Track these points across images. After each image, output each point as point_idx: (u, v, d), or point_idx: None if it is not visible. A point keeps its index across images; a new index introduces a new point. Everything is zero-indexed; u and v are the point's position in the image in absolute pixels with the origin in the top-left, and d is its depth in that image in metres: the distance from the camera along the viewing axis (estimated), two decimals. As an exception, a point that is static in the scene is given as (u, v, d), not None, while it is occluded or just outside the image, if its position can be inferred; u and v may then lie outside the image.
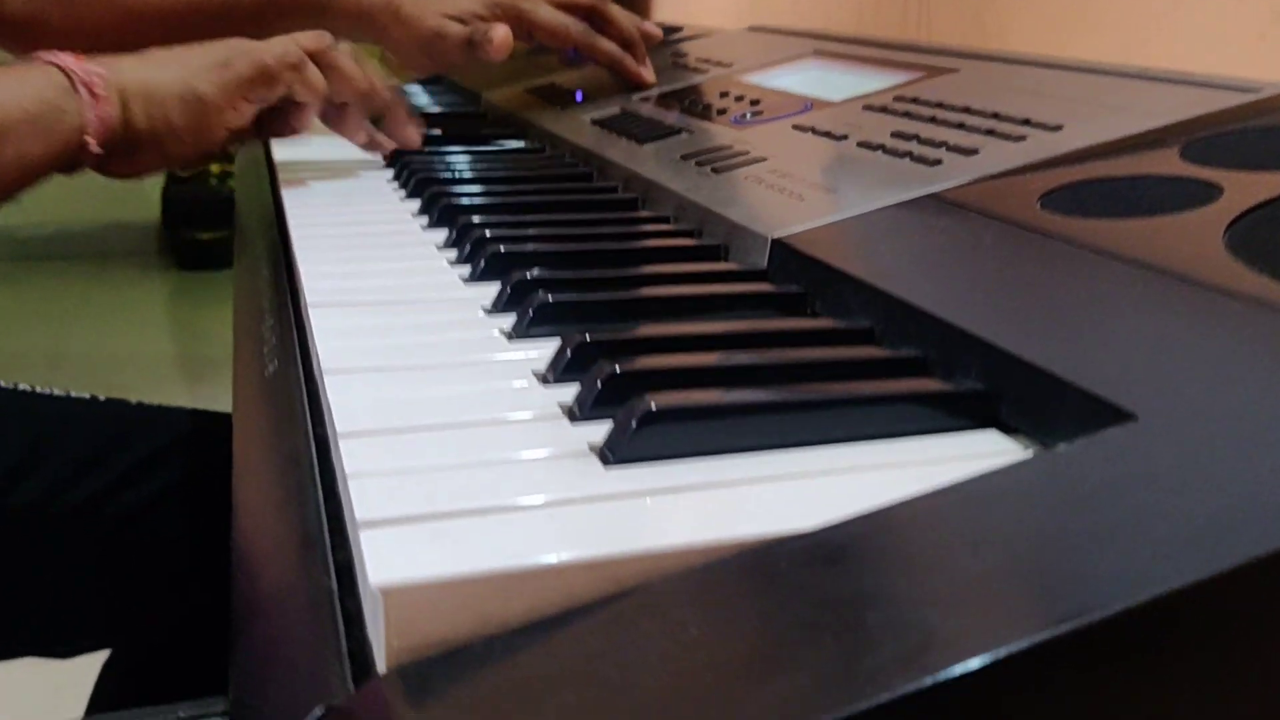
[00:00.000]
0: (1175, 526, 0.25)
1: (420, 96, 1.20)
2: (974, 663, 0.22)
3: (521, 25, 0.91)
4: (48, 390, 0.87)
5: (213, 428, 0.87)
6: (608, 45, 0.94)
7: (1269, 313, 0.35)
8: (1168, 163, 0.50)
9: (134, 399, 0.89)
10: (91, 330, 2.97)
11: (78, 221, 3.44)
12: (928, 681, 0.22)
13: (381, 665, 0.27)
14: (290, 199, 0.71)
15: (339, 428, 0.34)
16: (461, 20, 0.88)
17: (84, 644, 0.87)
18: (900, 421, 0.35)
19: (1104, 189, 0.49)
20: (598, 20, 0.95)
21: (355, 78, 0.77)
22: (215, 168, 3.19)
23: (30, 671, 0.89)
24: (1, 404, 0.83)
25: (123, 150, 0.68)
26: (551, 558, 0.27)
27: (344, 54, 0.77)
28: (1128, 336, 0.35)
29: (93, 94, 0.65)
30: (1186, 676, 0.25)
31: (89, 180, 0.75)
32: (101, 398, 0.89)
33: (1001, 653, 0.23)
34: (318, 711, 0.26)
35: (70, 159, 0.66)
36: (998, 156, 0.55)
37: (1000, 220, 0.48)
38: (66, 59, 0.66)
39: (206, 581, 0.79)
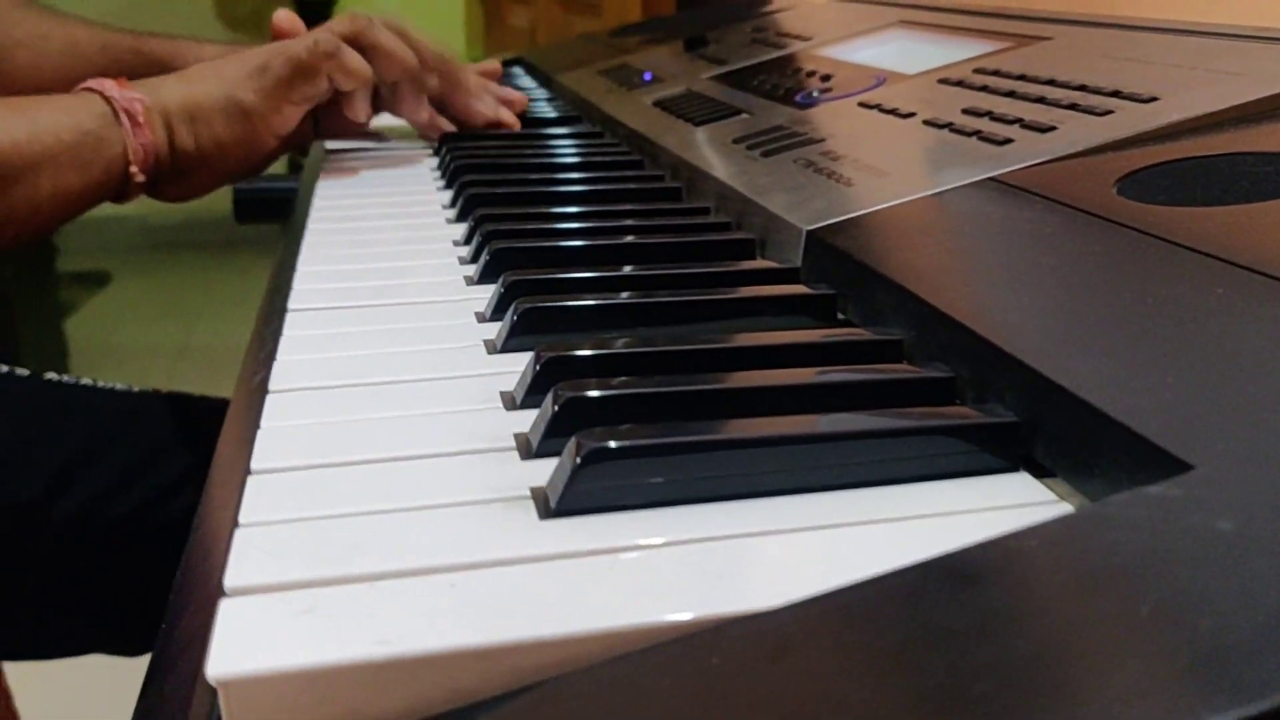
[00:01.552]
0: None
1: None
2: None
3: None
4: (110, 385, 0.86)
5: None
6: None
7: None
8: (1274, 138, 0.42)
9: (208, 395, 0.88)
10: (218, 320, 3.04)
11: (205, 210, 3.53)
12: None
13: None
14: (322, 190, 0.67)
15: (253, 462, 0.30)
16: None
17: (147, 641, 0.86)
18: (915, 460, 0.29)
19: (1194, 170, 0.42)
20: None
21: (397, 53, 0.72)
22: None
23: (98, 668, 0.89)
24: (61, 399, 0.82)
25: (172, 174, 0.67)
26: (434, 645, 0.22)
27: (384, 30, 0.73)
28: (1196, 356, 0.29)
29: (134, 121, 0.63)
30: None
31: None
32: (163, 391, 0.88)
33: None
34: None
35: (116, 188, 0.64)
36: (1077, 134, 0.48)
37: (1067, 207, 0.41)
38: (108, 85, 0.64)
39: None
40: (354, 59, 0.70)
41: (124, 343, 2.88)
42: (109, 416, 0.82)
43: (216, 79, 0.68)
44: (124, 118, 0.63)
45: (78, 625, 0.82)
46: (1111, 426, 0.26)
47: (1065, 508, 0.28)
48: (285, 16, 0.82)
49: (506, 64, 1.26)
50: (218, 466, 0.40)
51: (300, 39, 0.71)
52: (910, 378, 0.33)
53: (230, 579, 0.24)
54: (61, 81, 0.80)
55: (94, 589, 0.80)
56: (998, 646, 0.20)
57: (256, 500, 0.28)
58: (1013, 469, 0.29)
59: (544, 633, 0.22)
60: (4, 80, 0.82)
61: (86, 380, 0.86)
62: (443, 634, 0.22)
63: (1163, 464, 0.25)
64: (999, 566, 0.22)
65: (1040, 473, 0.29)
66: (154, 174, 0.65)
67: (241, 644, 0.22)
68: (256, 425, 0.39)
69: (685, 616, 0.23)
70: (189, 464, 0.82)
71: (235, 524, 0.27)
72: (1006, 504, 0.28)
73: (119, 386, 0.86)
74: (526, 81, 1.12)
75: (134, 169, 0.63)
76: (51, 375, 0.86)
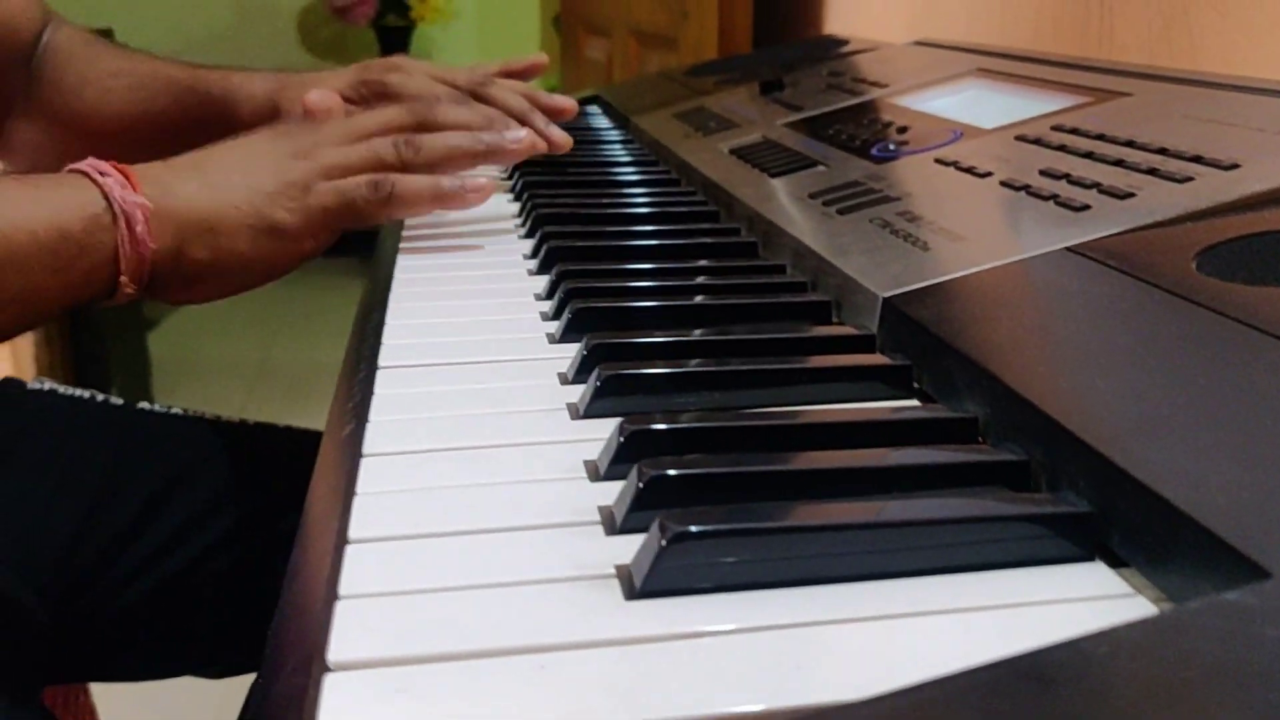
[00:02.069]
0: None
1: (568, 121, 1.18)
2: None
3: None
4: (199, 413, 0.89)
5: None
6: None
7: None
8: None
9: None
10: (296, 338, 3.10)
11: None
12: None
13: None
14: (406, 236, 0.69)
15: (351, 531, 0.31)
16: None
17: (233, 666, 0.89)
18: (991, 545, 0.30)
19: (1276, 246, 0.42)
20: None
21: (468, 150, 0.67)
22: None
23: (188, 689, 0.91)
24: (152, 427, 0.85)
25: (177, 282, 0.59)
26: (522, 727, 0.23)
27: (448, 109, 0.68)
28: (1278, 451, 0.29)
29: (131, 228, 0.55)
30: None
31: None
32: (251, 421, 0.91)
33: None
34: None
35: (101, 293, 0.57)
36: (1156, 201, 0.48)
37: (1145, 283, 0.41)
38: (111, 180, 0.56)
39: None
40: (414, 187, 0.63)
41: (205, 358, 2.96)
42: (199, 446, 0.85)
43: (246, 187, 0.60)
44: (121, 222, 0.55)
45: (165, 650, 0.85)
46: (1188, 524, 0.27)
47: (1141, 602, 0.28)
48: (319, 98, 0.72)
49: (583, 101, 1.28)
50: (311, 520, 0.42)
51: (351, 161, 0.63)
52: (984, 461, 0.33)
53: (334, 654, 0.26)
54: (126, 118, 0.83)
55: (180, 615, 0.82)
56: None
57: (355, 571, 0.29)
58: (1087, 558, 0.30)
59: (639, 716, 0.23)
60: (72, 116, 0.83)
61: (177, 409, 0.88)
62: (534, 716, 0.23)
63: (1241, 568, 0.25)
64: (1075, 671, 0.23)
65: (1114, 561, 0.30)
66: (152, 283, 0.58)
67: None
68: (348, 480, 0.41)
69: (759, 708, 0.24)
70: (275, 495, 0.84)
71: (335, 594, 0.28)
72: (1080, 596, 0.28)
73: (208, 414, 0.89)
74: (603, 121, 1.14)
75: (124, 278, 0.56)
76: (144, 405, 0.89)
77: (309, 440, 0.90)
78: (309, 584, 0.34)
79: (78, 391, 0.88)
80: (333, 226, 0.62)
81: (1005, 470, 0.33)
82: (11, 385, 0.85)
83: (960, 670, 0.23)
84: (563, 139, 0.78)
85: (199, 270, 0.59)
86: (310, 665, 0.28)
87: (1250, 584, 0.24)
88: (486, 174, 0.68)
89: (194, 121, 0.81)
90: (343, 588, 0.29)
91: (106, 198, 0.55)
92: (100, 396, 0.88)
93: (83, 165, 0.57)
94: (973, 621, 0.27)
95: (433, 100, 0.69)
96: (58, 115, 0.82)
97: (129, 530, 0.79)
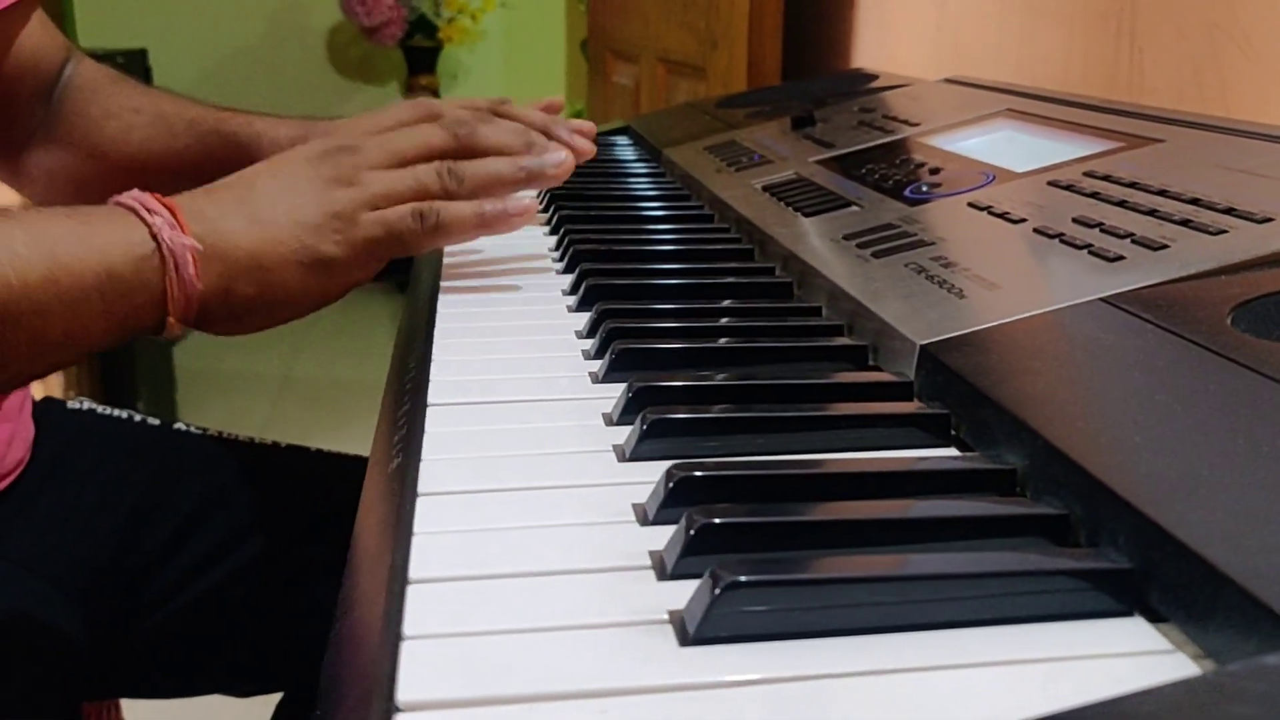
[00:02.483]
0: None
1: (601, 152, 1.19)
2: None
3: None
4: (233, 435, 0.91)
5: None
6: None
7: None
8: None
9: (354, 424, 0.91)
10: (318, 354, 3.13)
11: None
12: None
13: None
14: (449, 259, 0.71)
15: (412, 572, 0.33)
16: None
17: (261, 685, 0.90)
18: (1033, 598, 0.31)
19: (1310, 304, 0.43)
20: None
21: (510, 177, 0.67)
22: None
23: (215, 707, 0.93)
24: (189, 449, 0.87)
25: (225, 318, 0.59)
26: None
27: (487, 130, 0.68)
28: (1312, 514, 0.30)
29: (180, 270, 0.55)
30: None
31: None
32: (284, 444, 0.92)
33: None
34: None
35: (148, 331, 0.57)
36: (1189, 254, 0.49)
37: (1180, 338, 0.42)
38: (159, 220, 0.55)
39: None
40: (458, 215, 0.63)
41: (229, 374, 2.99)
42: (234, 468, 0.86)
43: (292, 221, 0.59)
44: (170, 264, 0.55)
45: (195, 667, 0.86)
46: (1228, 585, 0.28)
47: (1181, 659, 0.29)
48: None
49: (613, 132, 1.30)
50: (360, 553, 0.43)
51: (401, 188, 0.62)
52: (1025, 515, 0.34)
53: (403, 694, 0.27)
54: (147, 153, 0.83)
55: (211, 634, 0.84)
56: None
57: (419, 612, 0.30)
58: (1127, 614, 0.31)
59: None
60: (93, 149, 0.84)
61: (212, 431, 0.90)
62: (598, 763, 0.24)
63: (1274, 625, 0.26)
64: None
65: (1154, 616, 0.31)
66: (199, 319, 0.58)
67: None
68: (399, 517, 0.42)
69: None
70: (306, 518, 0.86)
71: (399, 634, 0.29)
72: (1121, 652, 0.29)
73: (241, 437, 0.91)
74: (630, 153, 1.16)
75: (171, 319, 0.56)
76: (180, 425, 0.90)
77: (340, 464, 0.91)
78: (364, 620, 0.35)
79: (115, 411, 0.90)
80: (379, 256, 0.62)
81: (1045, 524, 0.34)
82: (52, 405, 0.86)
83: (1008, 726, 0.24)
84: (586, 146, 0.76)
85: (247, 306, 0.59)
86: (371, 701, 0.29)
87: (1289, 645, 0.25)
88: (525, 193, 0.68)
89: (216, 162, 0.81)
90: (407, 628, 0.30)
91: (155, 238, 0.54)
92: (138, 417, 0.90)
93: (128, 199, 0.56)
94: (1015, 674, 0.28)
95: (467, 118, 0.68)
96: (79, 147, 0.83)
97: (167, 548, 0.81)
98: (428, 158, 0.65)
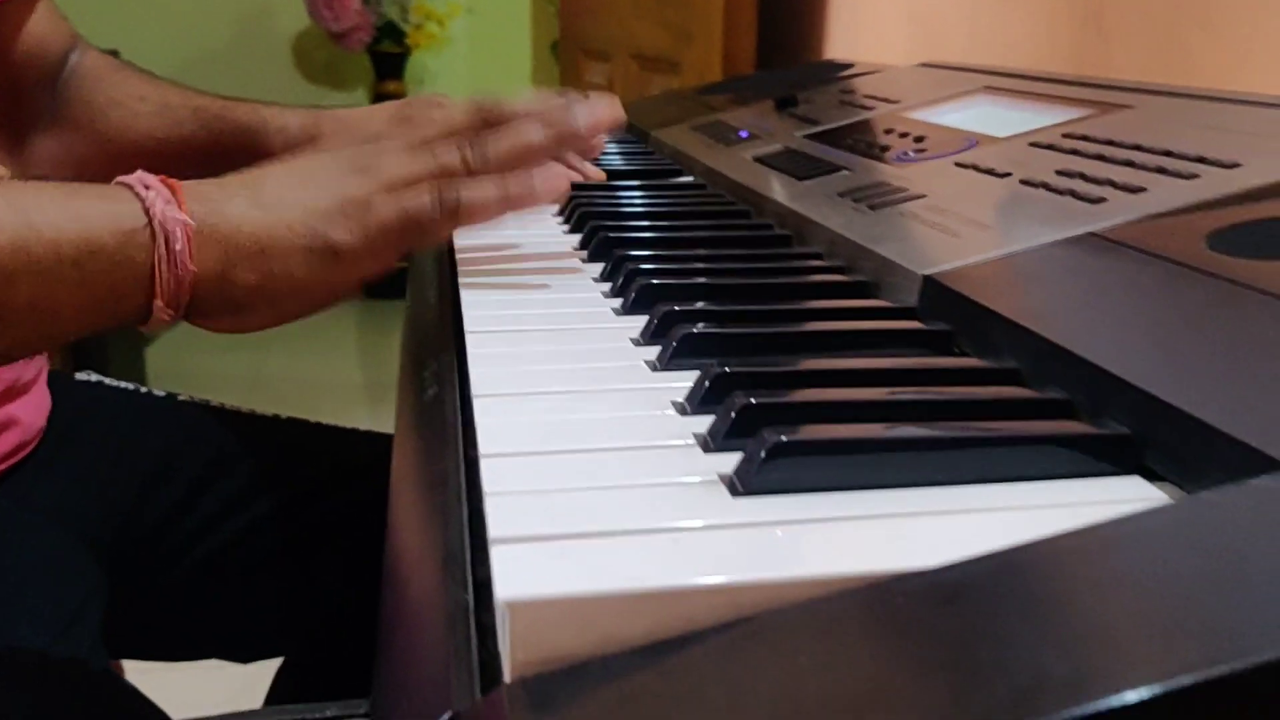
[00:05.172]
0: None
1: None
2: (1089, 708, 0.22)
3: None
4: (235, 406, 0.93)
5: (385, 449, 0.91)
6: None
7: None
8: (1350, 202, 0.47)
9: (316, 419, 0.94)
10: (286, 354, 3.14)
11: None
12: (1035, 724, 0.21)
13: (507, 676, 0.28)
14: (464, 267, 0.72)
15: (482, 449, 0.36)
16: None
17: (261, 650, 0.92)
18: (1040, 463, 0.34)
19: (1278, 228, 0.47)
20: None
21: (539, 143, 0.61)
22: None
23: (215, 672, 0.94)
24: (193, 418, 0.89)
25: (222, 308, 0.55)
26: (673, 582, 0.28)
27: (520, 108, 0.65)
28: (1288, 383, 0.34)
29: (170, 247, 0.51)
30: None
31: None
32: (284, 416, 0.95)
33: (1120, 700, 0.22)
34: (444, 717, 0.27)
35: (132, 316, 0.53)
36: (1166, 195, 0.53)
37: (1162, 260, 0.46)
38: (153, 194, 0.52)
39: (375, 597, 0.81)
40: (481, 195, 0.58)
41: (199, 370, 2.99)
42: (236, 436, 0.89)
43: (301, 205, 0.55)
44: (160, 240, 0.51)
45: (198, 630, 0.88)
46: (1218, 438, 0.32)
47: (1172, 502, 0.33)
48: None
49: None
50: (399, 471, 0.45)
51: (416, 169, 0.58)
52: (1036, 399, 0.38)
53: (495, 530, 0.30)
54: (152, 140, 0.83)
55: (215, 596, 0.86)
56: (1133, 595, 0.25)
57: (494, 479, 0.34)
58: (1127, 474, 0.34)
59: (762, 575, 0.28)
60: (97, 136, 0.84)
61: (215, 402, 0.92)
62: (679, 573, 0.28)
63: (1265, 467, 0.30)
64: (1133, 535, 0.27)
65: (1151, 476, 0.34)
66: (193, 308, 0.54)
67: (519, 577, 0.28)
68: (431, 431, 0.45)
69: (867, 568, 0.28)
70: (305, 484, 0.88)
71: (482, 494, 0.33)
72: (1122, 499, 0.33)
73: (243, 409, 0.93)
74: (615, 135, 1.19)
75: (159, 302, 0.52)
76: (185, 396, 0.93)
77: (335, 435, 0.94)
78: (408, 545, 0.37)
79: (122, 383, 0.92)
80: (396, 245, 0.57)
81: (1052, 407, 0.38)
82: (60, 377, 0.88)
83: (1042, 537, 0.28)
84: (609, 111, 0.67)
85: (248, 296, 0.54)
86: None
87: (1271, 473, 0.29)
88: None
89: (222, 149, 0.82)
90: (487, 486, 0.33)
91: (147, 213, 0.51)
92: (144, 389, 0.92)
93: (129, 178, 0.53)
94: (1037, 515, 0.32)
95: (495, 101, 0.66)
96: (84, 134, 0.84)
97: (175, 510, 0.83)
98: (449, 137, 0.61)
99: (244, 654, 0.92)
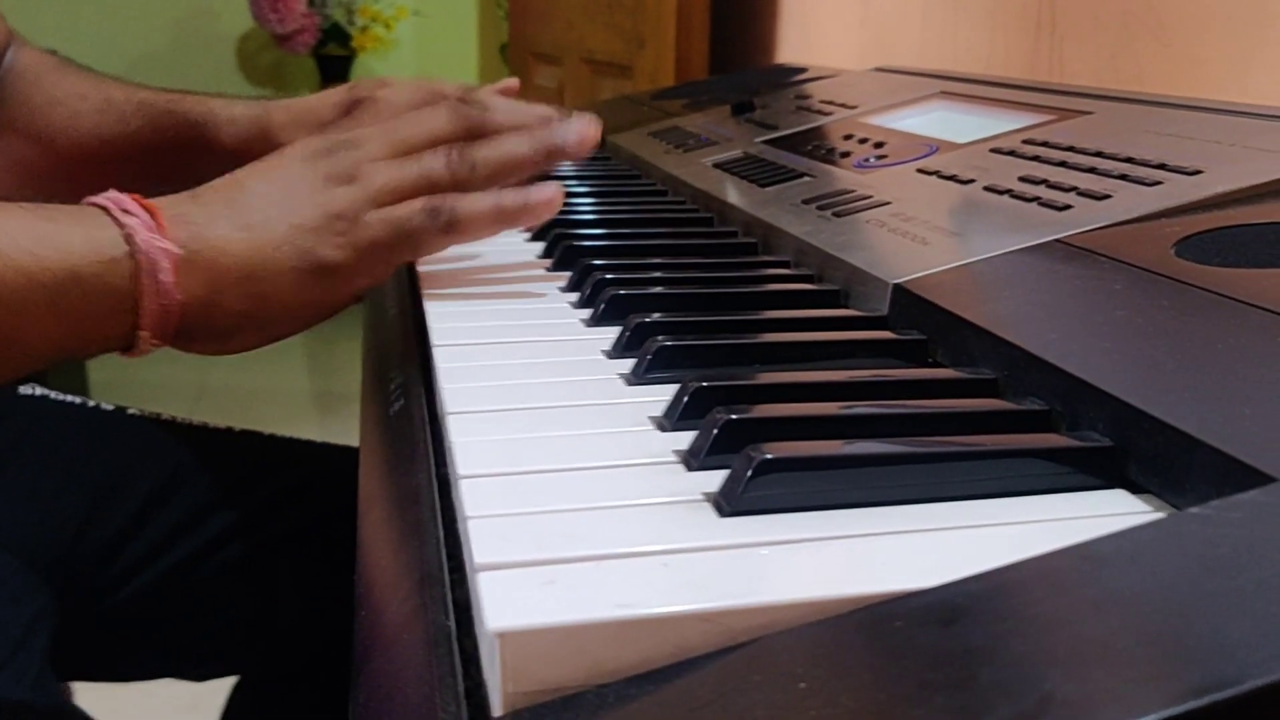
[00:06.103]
0: (1316, 597, 0.24)
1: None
2: (1095, 732, 0.22)
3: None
4: (187, 420, 0.91)
5: (343, 462, 0.89)
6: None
7: None
8: (1313, 209, 0.48)
9: (269, 431, 0.92)
10: (231, 364, 3.09)
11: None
12: (1045, 751, 0.21)
13: (497, 709, 0.27)
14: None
15: (460, 469, 0.35)
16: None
17: (215, 669, 0.90)
18: (1024, 478, 0.34)
19: (1244, 236, 0.47)
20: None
21: (527, 157, 0.60)
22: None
23: (168, 691, 0.92)
24: (144, 433, 0.87)
25: (208, 334, 0.53)
26: (666, 609, 0.27)
27: (505, 119, 0.62)
28: (1267, 393, 0.34)
29: (155, 278, 0.49)
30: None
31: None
32: (237, 429, 0.93)
33: (1125, 722, 0.22)
34: (433, 751, 0.27)
35: (115, 344, 0.52)
36: (1131, 202, 0.54)
37: (1132, 267, 0.46)
38: (135, 220, 0.50)
39: (333, 614, 0.79)
40: (475, 210, 0.56)
41: (143, 381, 2.93)
42: (189, 452, 0.87)
43: (287, 223, 0.53)
44: (145, 269, 0.49)
45: (152, 650, 0.86)
46: (1201, 448, 0.32)
47: (1162, 517, 0.33)
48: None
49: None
50: (366, 486, 0.44)
51: (405, 180, 0.56)
52: (1015, 410, 0.38)
53: (480, 556, 0.29)
54: (97, 139, 0.80)
55: (169, 615, 0.84)
56: (1132, 613, 0.25)
57: (474, 500, 0.33)
58: (1110, 487, 0.34)
59: (757, 600, 0.27)
60: (39, 136, 0.82)
61: (166, 415, 0.90)
62: (670, 600, 0.27)
63: (1248, 478, 0.30)
64: (1128, 552, 0.27)
65: (1134, 489, 0.34)
66: (179, 336, 0.52)
67: (507, 606, 0.27)
68: (398, 445, 0.44)
69: (865, 589, 0.28)
70: (261, 500, 0.86)
71: (466, 515, 0.32)
72: (1111, 513, 0.33)
73: (195, 421, 0.91)
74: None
75: (144, 332, 0.50)
76: (133, 410, 0.90)
77: (290, 447, 0.92)
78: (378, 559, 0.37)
79: (68, 397, 0.90)
80: (387, 260, 0.56)
81: (1032, 417, 0.38)
82: (1, 392, 0.86)
83: (1033, 556, 0.27)
84: (590, 126, 0.65)
85: (236, 321, 0.53)
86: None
87: (1259, 487, 0.29)
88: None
89: (170, 144, 0.80)
90: (468, 509, 0.32)
91: (128, 240, 0.49)
92: (91, 402, 0.90)
93: (102, 199, 0.51)
94: (1022, 531, 0.32)
95: (479, 98, 0.64)
96: (24, 135, 0.82)
97: (127, 528, 0.81)
98: (434, 145, 0.59)
99: (199, 673, 0.90)
